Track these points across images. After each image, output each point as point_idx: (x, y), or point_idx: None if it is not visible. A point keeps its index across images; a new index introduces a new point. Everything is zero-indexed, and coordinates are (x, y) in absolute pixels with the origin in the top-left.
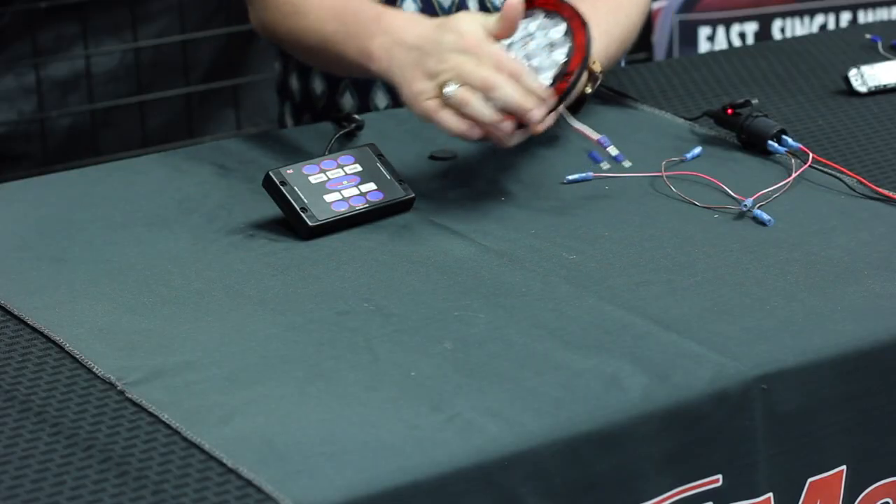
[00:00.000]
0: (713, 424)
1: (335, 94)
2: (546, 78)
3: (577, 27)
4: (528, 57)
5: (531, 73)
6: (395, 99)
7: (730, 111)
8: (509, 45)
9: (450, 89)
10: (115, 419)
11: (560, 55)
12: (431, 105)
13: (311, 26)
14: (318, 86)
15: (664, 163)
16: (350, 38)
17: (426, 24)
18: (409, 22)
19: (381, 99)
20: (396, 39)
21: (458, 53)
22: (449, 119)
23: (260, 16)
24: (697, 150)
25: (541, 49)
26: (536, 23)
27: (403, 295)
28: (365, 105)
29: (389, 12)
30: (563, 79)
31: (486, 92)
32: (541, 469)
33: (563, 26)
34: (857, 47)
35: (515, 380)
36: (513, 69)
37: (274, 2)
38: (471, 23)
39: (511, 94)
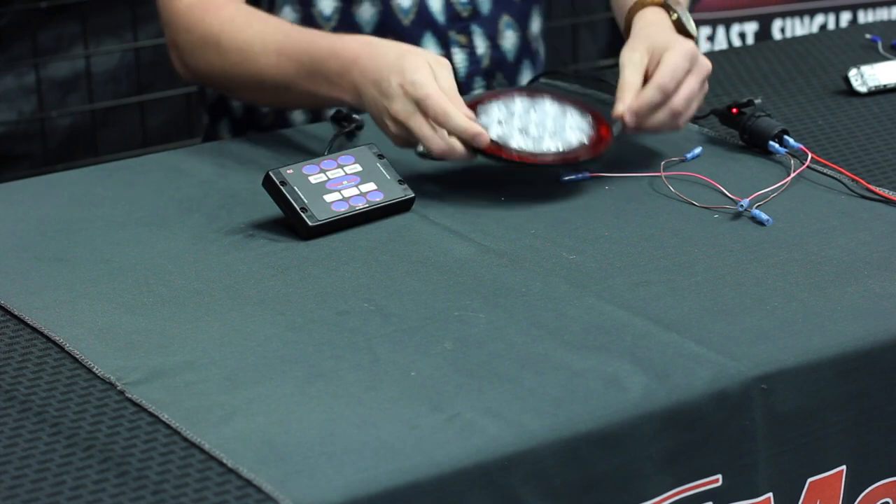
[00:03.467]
0: (713, 424)
1: (281, 110)
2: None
3: (601, 122)
4: (538, 124)
5: (454, 113)
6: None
7: (734, 110)
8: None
9: (420, 149)
10: (115, 419)
11: (579, 130)
12: (399, 143)
13: (266, 71)
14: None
15: (663, 163)
16: (315, 76)
17: (384, 55)
18: (369, 54)
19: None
20: (359, 76)
21: (399, 98)
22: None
23: (193, 63)
24: (697, 150)
25: (552, 120)
26: (565, 109)
27: (403, 295)
28: (316, 115)
29: (344, 44)
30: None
31: (423, 141)
32: (541, 469)
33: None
34: (857, 47)
35: (515, 380)
36: (438, 112)
37: (216, 49)
38: (418, 69)
39: (455, 154)
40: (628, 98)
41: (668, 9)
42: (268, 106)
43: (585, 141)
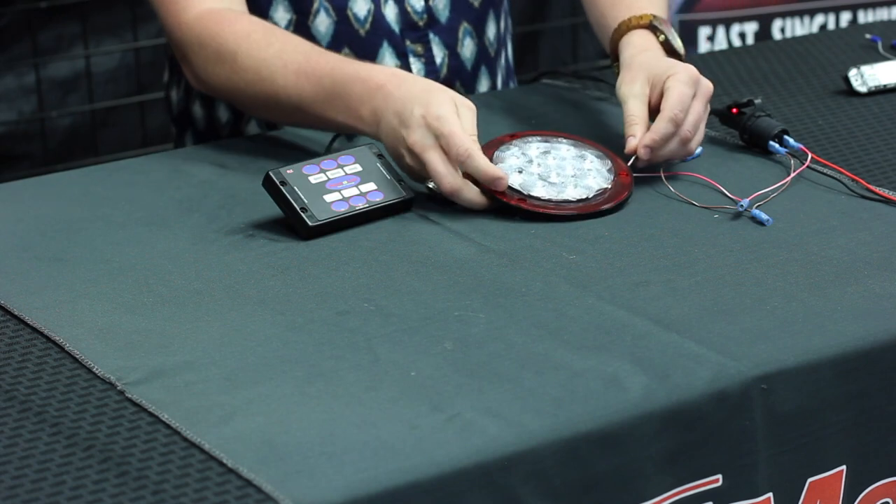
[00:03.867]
0: (713, 424)
1: (239, 122)
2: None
3: (623, 182)
4: (558, 169)
5: (477, 154)
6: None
7: (734, 110)
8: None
9: (431, 185)
10: (115, 419)
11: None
12: (411, 175)
13: (283, 91)
14: (223, 114)
15: (671, 162)
16: (335, 99)
17: (411, 85)
18: (396, 84)
19: None
20: (382, 104)
21: (420, 129)
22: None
23: (206, 77)
24: (698, 150)
25: (571, 166)
26: (583, 152)
27: (403, 295)
28: (238, 122)
29: (369, 72)
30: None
31: (439, 184)
32: (541, 469)
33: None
34: (857, 47)
35: (515, 380)
36: (459, 151)
37: (232, 66)
38: (443, 104)
39: (467, 199)
40: (639, 132)
41: (654, 30)
42: (281, 124)
43: (608, 186)
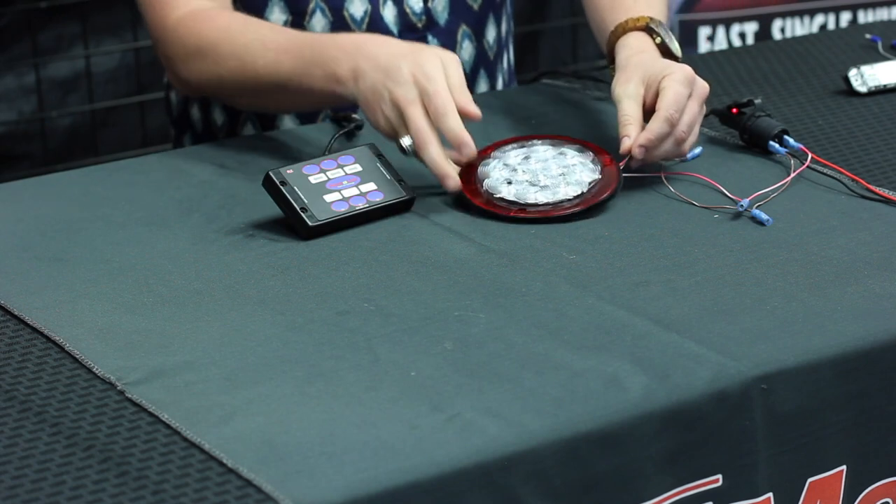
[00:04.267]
0: (713, 424)
1: (235, 124)
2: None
3: (611, 172)
4: (543, 170)
5: (454, 115)
6: (261, 119)
7: (734, 110)
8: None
9: (404, 145)
10: (115, 419)
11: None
12: (385, 131)
13: (264, 70)
14: (218, 117)
15: (664, 163)
16: (313, 67)
17: (394, 46)
18: (378, 44)
19: (286, 124)
20: (363, 61)
21: (406, 84)
22: (397, 145)
23: (186, 74)
24: (698, 150)
25: (555, 165)
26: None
27: (403, 295)
28: (233, 123)
29: (347, 36)
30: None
31: (420, 147)
32: (541, 469)
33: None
34: (857, 47)
35: (515, 380)
36: (441, 109)
37: (213, 58)
38: (431, 62)
39: (432, 155)
40: (633, 132)
41: (651, 32)
42: (265, 111)
43: (598, 176)
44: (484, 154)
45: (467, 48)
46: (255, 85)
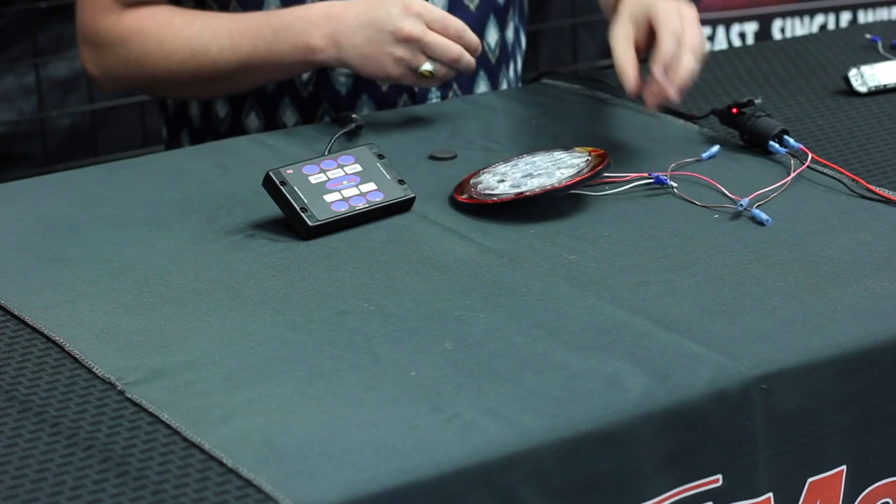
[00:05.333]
0: (713, 424)
1: (240, 115)
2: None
3: (600, 155)
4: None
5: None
6: (304, 115)
7: (734, 110)
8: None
9: (429, 68)
10: (115, 419)
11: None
12: (398, 73)
13: (220, 57)
14: (221, 109)
15: (672, 165)
16: (279, 44)
17: (359, 4)
18: (343, 7)
19: (289, 117)
20: (340, 25)
21: (409, 18)
22: (415, 80)
23: (125, 73)
24: (715, 148)
25: (546, 160)
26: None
27: (403, 295)
28: (272, 124)
29: (307, 8)
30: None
31: (453, 63)
32: (541, 469)
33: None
34: (857, 47)
35: (515, 380)
36: (457, 28)
37: (158, 52)
38: (406, 1)
39: (468, 62)
40: (631, 74)
41: None
42: (215, 97)
43: (588, 158)
44: (473, 174)
45: None
46: (212, 73)
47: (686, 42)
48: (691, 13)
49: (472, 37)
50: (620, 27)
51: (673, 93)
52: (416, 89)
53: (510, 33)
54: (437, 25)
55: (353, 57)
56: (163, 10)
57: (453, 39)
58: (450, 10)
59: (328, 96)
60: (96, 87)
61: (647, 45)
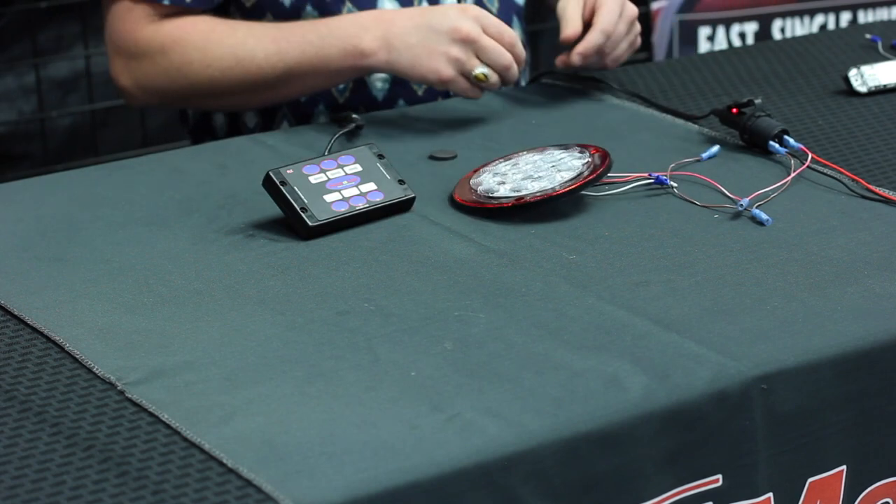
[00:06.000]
0: (713, 424)
1: (271, 124)
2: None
3: (600, 154)
4: (537, 167)
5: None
6: (298, 118)
7: (734, 110)
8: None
9: (485, 71)
10: (115, 419)
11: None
12: (449, 74)
13: (266, 63)
14: (250, 119)
15: (672, 165)
16: (327, 48)
17: (412, 9)
18: (394, 12)
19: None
20: (393, 28)
21: (467, 19)
22: (465, 86)
23: (167, 86)
24: (715, 148)
25: (544, 162)
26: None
27: (403, 295)
28: (268, 126)
29: (359, 13)
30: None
31: (503, 71)
32: (541, 469)
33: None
34: (857, 47)
35: (515, 380)
36: (511, 37)
37: (201, 61)
38: (462, 5)
39: (515, 73)
40: (570, 30)
41: None
42: (255, 107)
43: (588, 159)
44: (473, 172)
45: None
46: (254, 79)
47: (606, 44)
48: (629, 13)
49: (522, 49)
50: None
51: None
52: (451, 93)
53: (521, 35)
54: (492, 30)
55: (406, 58)
56: (204, 20)
57: (506, 48)
58: None
59: (365, 102)
60: (129, 100)
61: (588, 20)
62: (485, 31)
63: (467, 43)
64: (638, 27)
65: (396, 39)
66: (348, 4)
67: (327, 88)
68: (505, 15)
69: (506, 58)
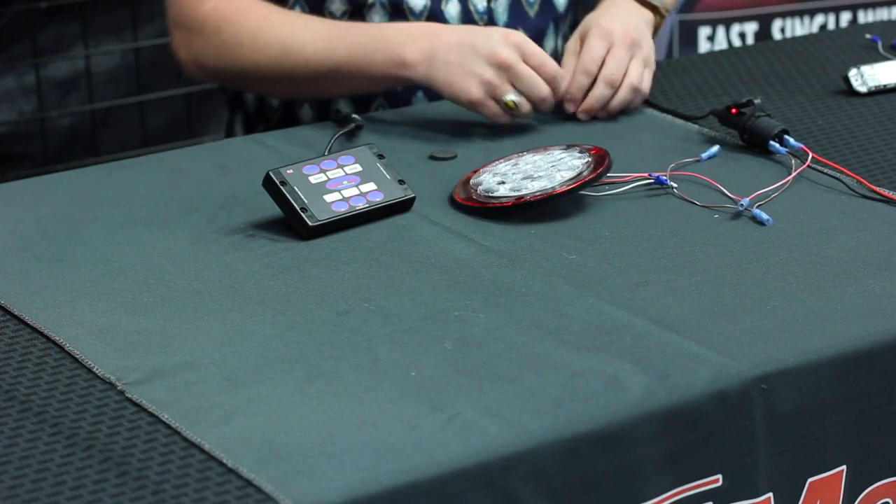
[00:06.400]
0: (713, 424)
1: (294, 105)
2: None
3: (600, 155)
4: (537, 166)
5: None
6: (358, 106)
7: (734, 111)
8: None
9: (515, 99)
10: (115, 419)
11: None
12: (479, 96)
13: (314, 58)
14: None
15: (672, 165)
16: (373, 53)
17: (463, 27)
18: (445, 28)
19: (343, 107)
20: (438, 43)
21: (506, 46)
22: (495, 111)
23: (215, 63)
24: (715, 148)
25: (545, 161)
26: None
27: (403, 295)
28: (325, 115)
29: (410, 23)
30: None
31: (538, 102)
32: (541, 469)
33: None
34: (857, 47)
35: (515, 380)
36: (553, 71)
37: (252, 46)
38: (511, 30)
39: (551, 105)
40: (563, 86)
41: None
42: (299, 99)
43: (588, 159)
44: (473, 173)
45: None
46: (301, 71)
47: (604, 74)
48: (621, 39)
49: (561, 82)
50: (571, 42)
51: (574, 111)
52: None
53: (560, 41)
54: (533, 60)
55: (442, 74)
56: (263, 4)
57: (545, 79)
58: (510, 16)
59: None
60: (186, 73)
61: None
62: (525, 60)
63: (503, 68)
64: (646, 52)
65: (438, 54)
66: None
67: (368, 92)
68: (543, 20)
69: (542, 89)
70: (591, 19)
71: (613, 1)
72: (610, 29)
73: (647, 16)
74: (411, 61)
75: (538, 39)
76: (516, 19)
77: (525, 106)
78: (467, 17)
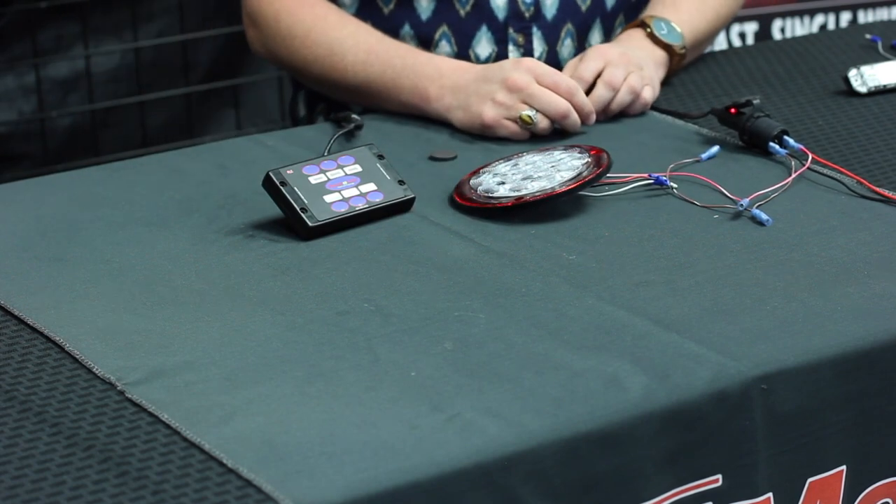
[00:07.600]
0: (713, 424)
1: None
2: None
3: (600, 155)
4: (537, 167)
5: (580, 89)
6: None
7: (733, 111)
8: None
9: (529, 113)
10: (115, 419)
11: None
12: (491, 116)
13: (352, 68)
14: (301, 109)
15: (672, 165)
16: (403, 79)
17: (475, 66)
18: (461, 65)
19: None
20: (461, 79)
21: (518, 70)
22: (512, 129)
23: (274, 49)
24: (715, 148)
25: (545, 162)
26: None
27: (403, 295)
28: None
29: (442, 58)
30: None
31: (560, 118)
32: (541, 469)
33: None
34: (857, 47)
35: (515, 380)
36: (569, 87)
37: (303, 41)
38: (520, 59)
39: (575, 121)
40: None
41: (643, 26)
42: (340, 99)
43: (588, 159)
44: (473, 173)
45: (568, 46)
46: (339, 77)
47: (603, 77)
48: (615, 59)
49: (583, 98)
50: (570, 61)
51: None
52: None
53: (602, 38)
54: (547, 80)
55: (458, 104)
56: (324, 4)
57: (564, 97)
58: (560, 9)
59: (411, 19)
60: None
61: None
62: (539, 81)
63: (514, 90)
64: (646, 72)
65: (458, 89)
66: None
67: (395, 111)
68: (591, 14)
69: (561, 106)
70: (597, 48)
71: (626, 36)
72: (607, 51)
73: (658, 54)
74: (434, 96)
75: (583, 32)
76: (565, 12)
77: (543, 121)
78: (513, 8)
